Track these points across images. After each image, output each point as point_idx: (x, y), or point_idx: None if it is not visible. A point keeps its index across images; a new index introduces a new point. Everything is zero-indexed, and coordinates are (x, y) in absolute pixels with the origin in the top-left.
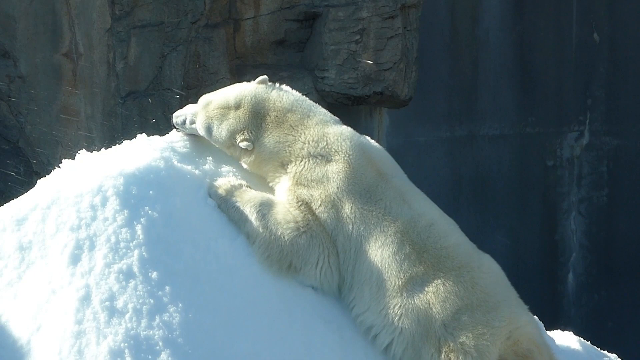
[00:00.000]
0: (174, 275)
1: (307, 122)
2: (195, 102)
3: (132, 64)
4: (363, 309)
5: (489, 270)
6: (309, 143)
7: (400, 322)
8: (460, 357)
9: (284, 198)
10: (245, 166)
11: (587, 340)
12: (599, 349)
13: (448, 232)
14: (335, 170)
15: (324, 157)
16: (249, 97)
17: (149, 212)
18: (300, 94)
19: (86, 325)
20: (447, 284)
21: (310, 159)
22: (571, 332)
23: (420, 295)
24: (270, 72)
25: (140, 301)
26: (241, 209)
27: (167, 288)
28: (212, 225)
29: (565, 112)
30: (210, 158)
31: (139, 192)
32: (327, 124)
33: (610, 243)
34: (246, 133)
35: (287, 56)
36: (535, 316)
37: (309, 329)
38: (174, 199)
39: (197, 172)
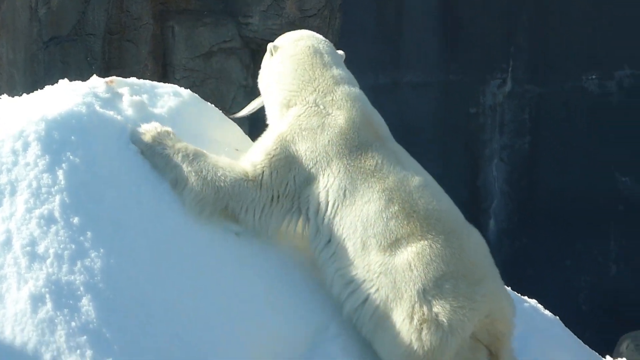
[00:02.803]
0: (95, 220)
1: (326, 72)
2: (119, 47)
3: (55, 9)
4: (346, 264)
5: (478, 241)
6: (318, 92)
7: (378, 279)
8: (432, 328)
9: (268, 142)
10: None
11: (508, 287)
12: (519, 294)
13: (441, 196)
14: (333, 124)
15: (326, 109)
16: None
17: (71, 157)
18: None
19: (7, 270)
20: (435, 247)
21: (313, 106)
22: None
23: (403, 255)
24: (193, 17)
25: (61, 246)
26: (170, 156)
27: (89, 233)
28: (134, 171)
29: (488, 60)
30: (132, 107)
31: (61, 138)
32: (342, 81)
33: (531, 190)
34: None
35: (210, 2)
36: None
37: (236, 274)
38: (96, 145)
39: (119, 117)
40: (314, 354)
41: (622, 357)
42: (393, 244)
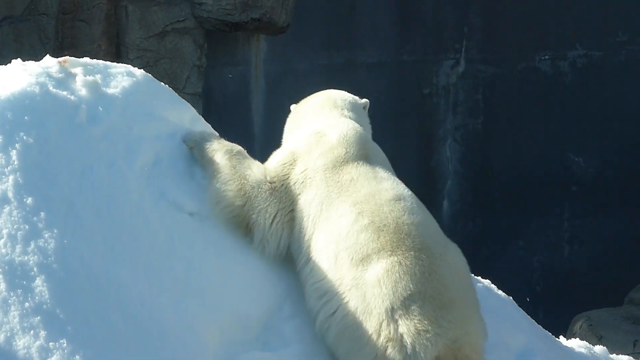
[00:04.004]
0: (49, 201)
1: (335, 111)
2: (73, 27)
3: None
4: (320, 277)
5: (452, 261)
6: (322, 122)
7: (349, 292)
8: (397, 348)
9: (280, 155)
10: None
11: None
12: (473, 275)
13: (415, 210)
14: (327, 141)
15: (325, 130)
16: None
17: (24, 137)
18: (363, 106)
19: None
20: (404, 264)
21: (315, 129)
22: None
23: (373, 271)
24: None
25: (15, 227)
26: (215, 151)
27: (42, 214)
28: (88, 152)
29: (442, 40)
30: (85, 87)
31: (14, 118)
32: (346, 117)
33: (484, 170)
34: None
35: None
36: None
37: (189, 254)
38: (50, 125)
39: (72, 97)
40: (268, 335)
41: (575, 337)
42: (365, 259)
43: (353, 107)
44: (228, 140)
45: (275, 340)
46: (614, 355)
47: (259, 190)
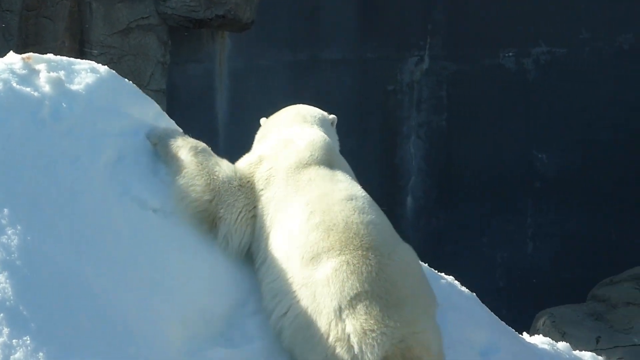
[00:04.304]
0: (12, 197)
1: (304, 124)
2: (37, 24)
3: None
4: (274, 277)
5: (402, 261)
6: (290, 131)
7: (300, 291)
8: (345, 348)
9: (249, 157)
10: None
11: (425, 263)
12: (436, 271)
13: (365, 210)
14: (294, 147)
15: (293, 138)
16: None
17: None
18: (331, 121)
19: None
20: (351, 264)
21: (283, 137)
22: None
23: (323, 270)
24: None
25: None
26: (179, 147)
27: (6, 210)
28: (51, 148)
29: (406, 37)
30: (49, 84)
31: None
32: (315, 131)
33: (448, 167)
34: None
35: None
36: None
37: (154, 250)
38: (13, 121)
39: (36, 94)
40: (231, 331)
41: (538, 334)
42: (315, 258)
43: (322, 122)
44: (192, 136)
45: (239, 337)
46: (577, 351)
47: (229, 185)
